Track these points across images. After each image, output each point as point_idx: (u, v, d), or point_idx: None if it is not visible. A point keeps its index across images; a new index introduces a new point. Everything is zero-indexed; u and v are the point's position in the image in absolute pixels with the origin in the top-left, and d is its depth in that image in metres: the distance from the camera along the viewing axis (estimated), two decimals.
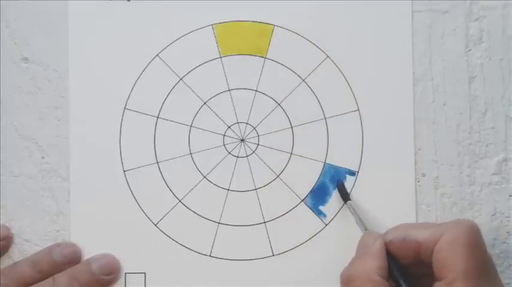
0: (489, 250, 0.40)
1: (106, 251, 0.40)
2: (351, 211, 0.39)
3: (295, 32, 0.41)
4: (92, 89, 0.41)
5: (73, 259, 0.39)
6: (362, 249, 0.36)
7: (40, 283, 0.38)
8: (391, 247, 0.35)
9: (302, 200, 0.41)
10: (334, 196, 0.41)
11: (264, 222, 0.41)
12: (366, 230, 0.37)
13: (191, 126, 0.41)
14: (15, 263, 0.39)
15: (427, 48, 0.41)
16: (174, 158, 0.41)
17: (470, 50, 0.41)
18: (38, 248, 0.40)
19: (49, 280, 0.38)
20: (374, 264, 0.34)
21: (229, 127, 0.41)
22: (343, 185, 0.40)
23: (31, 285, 0.38)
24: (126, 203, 0.40)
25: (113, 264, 0.39)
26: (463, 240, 0.32)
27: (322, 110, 0.41)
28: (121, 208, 0.40)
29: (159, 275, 0.40)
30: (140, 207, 0.41)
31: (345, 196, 0.40)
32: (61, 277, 0.38)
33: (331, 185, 0.41)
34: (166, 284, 0.40)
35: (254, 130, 0.41)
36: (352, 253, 0.40)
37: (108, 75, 0.41)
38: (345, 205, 0.40)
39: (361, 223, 0.38)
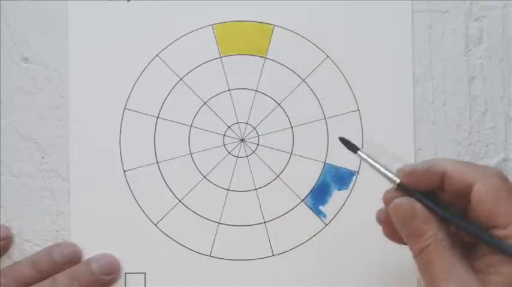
0: None
1: (106, 251, 0.40)
2: (365, 161, 0.35)
3: (295, 32, 0.41)
4: (92, 89, 0.41)
5: (73, 259, 0.39)
6: (408, 220, 0.32)
7: (40, 283, 0.38)
8: (414, 176, 0.33)
9: (302, 200, 0.41)
10: (334, 196, 0.41)
11: (264, 222, 0.41)
12: (390, 175, 0.34)
13: (191, 126, 0.41)
14: (15, 263, 0.39)
15: (427, 48, 0.41)
16: (174, 158, 0.41)
17: (470, 50, 0.41)
18: (38, 248, 0.40)
19: (49, 280, 0.38)
20: (436, 227, 0.31)
21: (229, 127, 0.41)
22: (345, 139, 0.36)
23: (31, 285, 0.38)
24: (126, 203, 0.40)
25: (113, 264, 0.39)
26: (503, 186, 0.31)
27: (322, 110, 0.41)
28: (121, 208, 0.40)
29: (159, 275, 0.40)
30: (140, 207, 0.41)
31: (353, 147, 0.36)
32: (61, 277, 0.38)
33: (331, 185, 0.41)
34: (166, 284, 0.40)
35: (254, 130, 0.41)
36: (352, 253, 0.40)
37: (108, 75, 0.41)
38: (345, 203, 0.40)
39: (382, 169, 0.34)
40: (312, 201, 0.41)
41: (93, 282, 0.38)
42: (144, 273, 0.40)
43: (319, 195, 0.41)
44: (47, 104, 0.41)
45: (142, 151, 0.41)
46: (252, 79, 0.41)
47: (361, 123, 0.41)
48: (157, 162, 0.41)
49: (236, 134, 0.41)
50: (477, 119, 0.41)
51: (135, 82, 0.41)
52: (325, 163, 0.41)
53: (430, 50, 0.41)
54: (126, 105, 0.41)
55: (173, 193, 0.41)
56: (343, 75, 0.41)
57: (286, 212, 0.41)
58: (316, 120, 0.41)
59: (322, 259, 0.40)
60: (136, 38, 0.41)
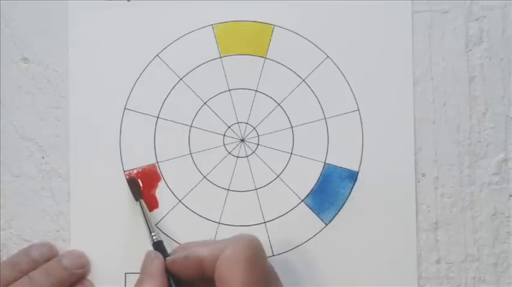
0: (489, 250, 0.40)
1: (106, 251, 0.40)
2: (142, 209, 0.39)
3: (295, 32, 0.41)
4: (92, 89, 0.41)
5: (51, 256, 0.39)
6: (142, 270, 0.36)
7: (17, 282, 0.38)
8: (175, 266, 0.35)
9: (302, 200, 0.41)
10: (334, 196, 0.41)
11: (264, 222, 0.41)
12: (151, 231, 0.38)
13: (191, 126, 0.41)
14: None
15: (427, 48, 0.41)
16: (174, 158, 0.41)
17: (470, 50, 0.41)
18: None
19: (25, 278, 0.38)
20: (153, 285, 0.34)
21: (229, 127, 0.41)
22: (137, 183, 0.40)
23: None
24: (126, 203, 0.40)
25: (82, 258, 0.40)
26: (241, 254, 0.32)
27: (322, 110, 0.41)
28: (121, 208, 0.40)
29: None
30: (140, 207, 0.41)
31: (137, 195, 0.40)
32: (37, 274, 0.38)
33: (331, 185, 0.41)
34: None
35: (254, 130, 0.41)
36: (352, 253, 0.40)
37: (108, 75, 0.41)
38: (345, 203, 0.40)
39: (148, 222, 0.38)
40: (312, 201, 0.41)
41: (67, 276, 0.39)
42: None
43: (319, 195, 0.41)
44: (47, 104, 0.41)
45: (142, 151, 0.41)
46: (252, 79, 0.41)
47: (361, 123, 0.41)
48: (157, 162, 0.41)
49: (236, 134, 0.41)
50: (477, 119, 0.41)
51: (135, 82, 0.41)
52: (325, 163, 0.41)
53: (430, 50, 0.41)
54: (126, 105, 0.41)
55: (173, 193, 0.41)
56: (343, 75, 0.41)
57: (286, 212, 0.41)
58: (316, 120, 0.41)
59: (322, 259, 0.40)
60: (136, 38, 0.41)
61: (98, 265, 0.40)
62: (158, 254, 0.37)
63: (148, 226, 0.38)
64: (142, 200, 0.39)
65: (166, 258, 0.36)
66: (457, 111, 0.41)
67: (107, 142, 0.41)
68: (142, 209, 0.39)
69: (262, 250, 0.34)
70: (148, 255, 0.37)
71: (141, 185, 0.40)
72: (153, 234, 0.38)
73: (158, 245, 0.37)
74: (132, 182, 0.40)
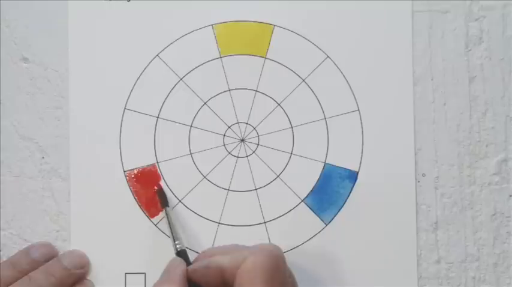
0: (489, 250, 0.40)
1: (106, 251, 0.40)
2: (167, 218, 0.39)
3: (295, 32, 0.41)
4: (92, 89, 0.41)
5: (51, 256, 0.40)
6: (164, 274, 0.36)
7: (16, 282, 0.38)
8: (196, 275, 0.35)
9: (302, 200, 0.41)
10: (334, 196, 0.41)
11: (264, 222, 0.41)
12: (175, 242, 0.37)
13: (191, 126, 0.41)
14: None
15: (427, 48, 0.41)
16: (174, 158, 0.41)
17: (470, 50, 0.41)
18: None
19: (25, 279, 0.38)
20: None
21: (229, 127, 0.41)
22: (163, 192, 0.40)
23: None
24: (126, 203, 0.40)
25: (83, 258, 0.40)
26: (261, 266, 0.32)
27: (322, 110, 0.41)
28: (121, 208, 0.40)
29: (159, 275, 0.40)
30: (140, 207, 0.41)
31: (163, 203, 0.40)
32: (37, 274, 0.38)
33: (332, 185, 0.41)
34: None
35: (254, 130, 0.41)
36: (352, 253, 0.40)
37: (108, 75, 0.41)
38: (345, 203, 0.40)
39: (174, 234, 0.38)
40: (312, 201, 0.41)
41: (67, 276, 0.39)
42: (144, 273, 0.40)
43: (319, 195, 0.41)
44: (47, 104, 0.41)
45: (142, 151, 0.41)
46: (252, 79, 0.41)
47: (361, 123, 0.41)
48: (157, 162, 0.41)
49: (236, 134, 0.41)
50: (477, 119, 0.41)
51: (135, 82, 0.41)
52: (325, 163, 0.41)
53: (430, 50, 0.41)
54: (126, 105, 0.41)
55: (173, 193, 0.41)
56: (343, 75, 0.41)
57: (286, 212, 0.41)
58: (316, 121, 0.41)
59: (322, 259, 0.40)
60: (136, 38, 0.41)
61: (97, 265, 0.40)
62: (183, 261, 0.36)
63: (172, 234, 0.38)
64: (168, 208, 0.39)
65: (188, 267, 0.35)
66: (457, 111, 0.41)
67: (107, 142, 0.41)
68: (167, 217, 0.39)
69: (283, 262, 0.34)
70: (173, 260, 0.36)
71: (166, 194, 0.40)
72: (176, 242, 0.37)
73: (181, 254, 0.37)
74: (160, 191, 0.40)
